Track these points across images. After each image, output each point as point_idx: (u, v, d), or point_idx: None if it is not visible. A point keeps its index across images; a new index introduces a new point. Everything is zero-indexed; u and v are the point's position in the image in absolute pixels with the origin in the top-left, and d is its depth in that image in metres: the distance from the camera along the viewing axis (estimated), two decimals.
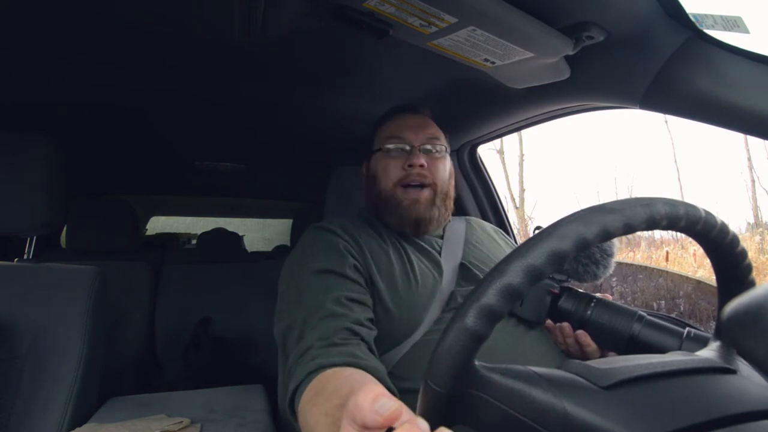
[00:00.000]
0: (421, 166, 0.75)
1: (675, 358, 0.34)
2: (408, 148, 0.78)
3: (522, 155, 8.13)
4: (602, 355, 0.64)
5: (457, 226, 0.85)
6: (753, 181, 5.94)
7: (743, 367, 0.35)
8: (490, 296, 0.31)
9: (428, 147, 0.79)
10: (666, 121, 6.81)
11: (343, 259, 0.68)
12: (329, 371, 0.53)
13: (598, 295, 0.66)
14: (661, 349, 0.55)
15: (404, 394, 0.63)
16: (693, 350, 0.43)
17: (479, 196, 1.39)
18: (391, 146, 0.78)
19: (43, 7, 0.70)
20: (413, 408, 0.34)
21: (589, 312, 0.62)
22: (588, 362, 0.34)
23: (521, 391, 0.31)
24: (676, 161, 7.37)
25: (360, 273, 0.69)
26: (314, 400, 0.50)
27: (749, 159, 6.01)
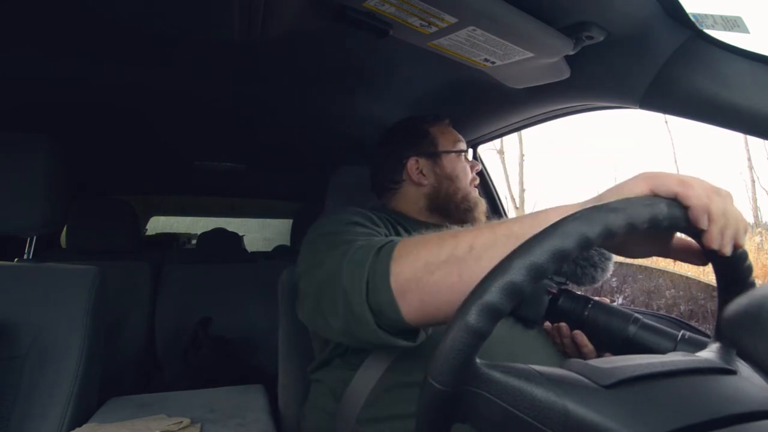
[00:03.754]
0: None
1: (676, 359, 0.34)
2: (470, 155, 0.87)
3: (522, 155, 8.14)
4: (599, 356, 0.64)
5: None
6: (753, 181, 5.95)
7: (743, 367, 0.35)
8: (493, 294, 0.31)
9: None
10: (666, 121, 6.81)
11: (375, 227, 0.70)
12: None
13: (595, 298, 0.66)
14: (655, 351, 0.56)
15: (407, 387, 0.63)
16: (688, 352, 0.43)
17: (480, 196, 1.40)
18: (464, 150, 0.90)
19: (43, 7, 0.70)
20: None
21: (586, 313, 0.63)
22: (589, 361, 0.34)
23: (522, 390, 0.31)
24: (676, 161, 7.37)
25: None
26: (424, 241, 0.51)
27: (749, 159, 6.02)
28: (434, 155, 0.87)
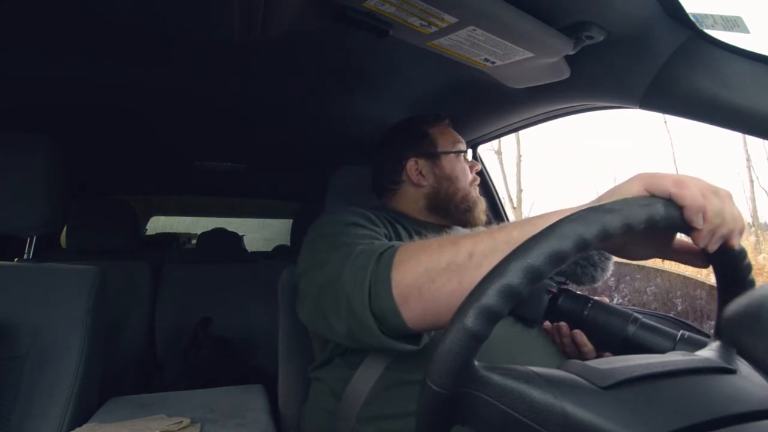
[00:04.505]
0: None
1: (675, 358, 0.34)
2: (469, 155, 0.89)
3: (519, 156, 8.16)
4: (598, 356, 0.64)
5: (463, 232, 0.87)
6: (752, 181, 5.94)
7: (743, 367, 0.35)
8: (490, 296, 0.31)
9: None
10: (665, 121, 6.79)
11: (375, 227, 0.70)
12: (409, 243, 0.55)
13: (595, 297, 0.66)
14: (655, 351, 0.56)
15: (407, 385, 0.63)
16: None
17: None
18: (463, 151, 0.89)
19: (43, 7, 0.70)
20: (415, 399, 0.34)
21: (585, 312, 0.63)
22: (587, 362, 0.34)
23: (521, 391, 0.31)
24: (675, 161, 7.34)
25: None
26: (424, 248, 0.52)
27: (748, 159, 6.00)
28: (433, 156, 0.87)
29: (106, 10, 0.71)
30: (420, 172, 0.86)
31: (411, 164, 0.86)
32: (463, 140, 0.91)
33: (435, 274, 0.49)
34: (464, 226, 0.87)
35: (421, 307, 0.50)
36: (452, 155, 0.87)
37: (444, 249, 0.50)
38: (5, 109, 1.07)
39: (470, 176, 0.88)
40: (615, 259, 0.72)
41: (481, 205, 0.87)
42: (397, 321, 0.51)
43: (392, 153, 0.89)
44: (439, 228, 0.85)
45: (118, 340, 1.48)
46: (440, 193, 0.85)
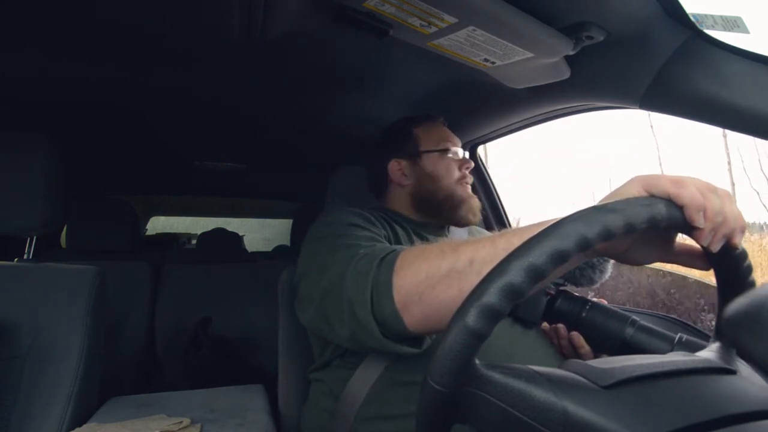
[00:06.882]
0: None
1: (675, 359, 0.34)
2: (459, 153, 0.88)
3: (487, 167, 8.33)
4: (596, 357, 0.64)
5: (461, 233, 0.88)
6: (732, 184, 5.95)
7: (743, 367, 0.35)
8: (491, 295, 0.31)
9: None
10: (651, 126, 6.75)
11: (373, 227, 0.71)
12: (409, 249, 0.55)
13: (594, 299, 0.66)
14: (652, 353, 0.56)
15: (406, 385, 0.64)
16: None
17: (479, 196, 1.39)
18: (448, 149, 0.88)
19: (43, 7, 0.70)
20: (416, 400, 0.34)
21: (583, 314, 0.63)
22: (588, 362, 0.34)
23: (522, 390, 0.31)
24: (660, 164, 7.31)
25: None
26: (425, 254, 0.52)
27: (729, 162, 6.01)
28: (415, 155, 0.87)
29: (106, 10, 0.71)
30: (402, 172, 0.87)
31: (393, 165, 0.87)
32: (450, 138, 0.90)
33: (435, 281, 0.49)
34: (455, 225, 0.87)
35: (422, 312, 0.50)
36: (435, 154, 0.87)
37: (445, 255, 0.50)
38: (5, 109, 1.07)
39: (457, 174, 0.87)
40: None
41: (470, 204, 0.85)
42: (398, 326, 0.52)
43: (379, 154, 0.90)
44: (435, 228, 0.85)
45: (118, 340, 1.47)
46: (422, 191, 0.86)
